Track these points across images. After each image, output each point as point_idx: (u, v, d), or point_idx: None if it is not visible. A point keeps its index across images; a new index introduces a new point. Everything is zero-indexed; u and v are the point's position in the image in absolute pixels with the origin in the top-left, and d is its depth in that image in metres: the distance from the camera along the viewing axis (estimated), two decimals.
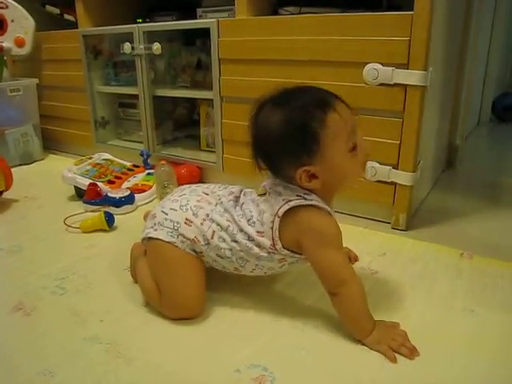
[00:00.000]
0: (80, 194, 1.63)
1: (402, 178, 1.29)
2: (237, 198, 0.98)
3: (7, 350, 0.88)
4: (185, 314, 0.95)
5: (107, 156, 1.85)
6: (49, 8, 2.26)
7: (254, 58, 1.51)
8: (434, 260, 1.16)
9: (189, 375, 0.80)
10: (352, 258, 1.16)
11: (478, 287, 1.04)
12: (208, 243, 0.95)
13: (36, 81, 2.22)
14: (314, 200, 0.88)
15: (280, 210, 0.88)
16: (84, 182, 1.61)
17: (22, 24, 2.15)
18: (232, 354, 0.84)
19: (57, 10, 2.26)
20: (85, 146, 2.22)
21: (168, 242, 0.95)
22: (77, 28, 2.07)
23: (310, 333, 0.90)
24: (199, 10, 1.74)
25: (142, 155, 1.83)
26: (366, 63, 1.27)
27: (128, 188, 1.60)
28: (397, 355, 0.82)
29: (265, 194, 0.93)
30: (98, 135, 2.18)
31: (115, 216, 1.42)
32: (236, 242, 0.93)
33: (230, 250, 0.94)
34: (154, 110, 1.92)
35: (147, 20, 1.93)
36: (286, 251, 0.91)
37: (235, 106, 1.62)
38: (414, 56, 1.20)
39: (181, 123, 2.14)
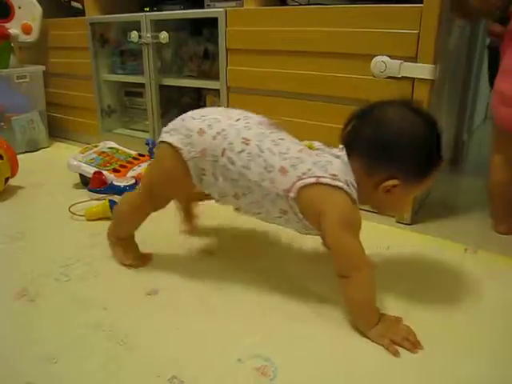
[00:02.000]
0: (85, 182, 1.63)
1: None
2: (271, 127, 0.96)
3: (11, 335, 0.89)
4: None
5: (113, 144, 1.85)
6: None
7: (262, 48, 1.50)
8: (437, 255, 1.16)
9: (191, 364, 0.80)
10: None
11: (481, 283, 1.04)
12: (216, 160, 0.92)
13: (43, 68, 2.22)
14: (355, 195, 0.87)
15: (322, 179, 0.86)
16: (89, 170, 1.61)
17: (30, 11, 2.14)
18: (234, 344, 0.85)
19: None
20: (90, 134, 2.23)
21: (176, 147, 0.94)
22: (84, 15, 2.07)
23: (312, 323, 0.91)
24: (207, 0, 1.74)
25: (147, 144, 1.83)
26: (374, 55, 1.26)
27: (133, 177, 1.60)
28: (400, 349, 0.82)
29: (311, 148, 0.93)
30: (103, 123, 2.19)
31: None
32: (247, 168, 0.90)
33: (238, 174, 0.91)
34: (160, 99, 1.92)
35: (155, 9, 1.93)
36: (293, 203, 0.88)
37: (242, 97, 1.62)
38: (423, 49, 1.19)
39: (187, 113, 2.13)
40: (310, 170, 0.87)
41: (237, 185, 0.92)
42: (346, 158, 0.90)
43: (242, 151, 0.90)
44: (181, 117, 0.99)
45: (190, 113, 0.99)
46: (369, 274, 0.87)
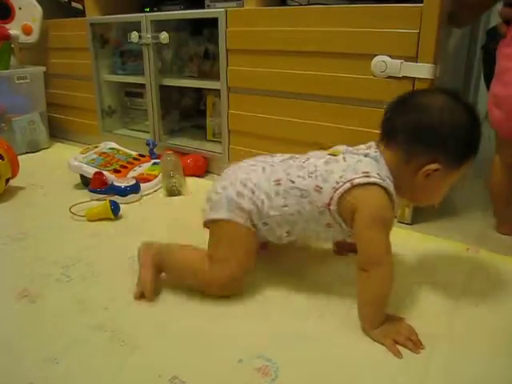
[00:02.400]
0: (86, 182, 1.63)
1: None
2: (294, 157, 1.01)
3: (12, 336, 0.89)
4: (229, 288, 0.99)
5: (113, 145, 1.85)
6: None
7: (262, 48, 1.50)
8: (439, 254, 1.16)
9: (192, 364, 0.80)
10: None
11: (483, 282, 1.04)
12: (259, 212, 0.96)
13: (43, 69, 2.21)
14: (391, 186, 0.88)
15: (356, 180, 0.87)
16: (90, 171, 1.61)
17: (30, 12, 2.14)
18: (235, 344, 0.85)
19: None
20: (91, 135, 2.23)
21: (229, 220, 0.96)
22: (84, 16, 2.07)
23: (313, 323, 0.91)
24: (207, 0, 1.74)
25: (148, 145, 1.83)
26: (375, 55, 1.26)
27: (133, 177, 1.60)
28: (401, 349, 0.82)
29: (335, 155, 0.95)
30: (104, 124, 2.19)
31: (120, 205, 1.42)
32: (286, 206, 0.94)
33: (281, 215, 0.95)
34: (161, 100, 1.92)
35: (155, 9, 1.93)
36: (336, 215, 0.91)
37: (242, 97, 1.62)
38: (423, 49, 1.19)
39: (187, 113, 2.14)
40: (341, 177, 0.89)
41: (281, 225, 0.97)
42: (375, 153, 0.92)
43: (278, 193, 0.95)
44: (213, 191, 1.01)
45: (216, 184, 1.03)
46: (388, 272, 0.87)
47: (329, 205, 0.90)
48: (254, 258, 1.00)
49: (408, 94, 0.95)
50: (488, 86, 1.52)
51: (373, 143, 0.95)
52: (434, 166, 0.87)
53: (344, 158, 0.93)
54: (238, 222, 0.96)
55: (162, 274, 1.04)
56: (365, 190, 0.87)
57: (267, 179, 0.96)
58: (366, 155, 0.92)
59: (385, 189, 0.87)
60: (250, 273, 1.01)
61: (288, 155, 1.03)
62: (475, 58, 1.78)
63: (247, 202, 0.96)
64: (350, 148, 0.97)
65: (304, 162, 0.97)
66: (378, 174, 0.88)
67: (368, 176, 0.87)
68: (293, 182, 0.94)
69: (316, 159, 0.96)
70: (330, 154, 0.96)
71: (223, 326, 0.90)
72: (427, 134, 0.87)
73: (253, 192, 0.96)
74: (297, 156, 1.01)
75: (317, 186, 0.91)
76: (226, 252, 0.97)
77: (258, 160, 1.04)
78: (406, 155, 0.89)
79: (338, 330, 0.88)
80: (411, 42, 1.20)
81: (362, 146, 0.96)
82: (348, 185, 0.88)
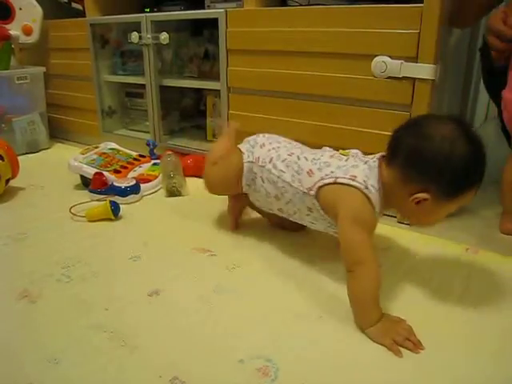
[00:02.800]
0: (86, 182, 1.63)
1: None
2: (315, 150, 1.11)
3: (12, 336, 0.89)
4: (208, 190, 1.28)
5: (113, 145, 1.85)
6: None
7: (262, 48, 1.50)
8: (438, 255, 1.16)
9: (192, 365, 0.80)
10: None
11: (482, 283, 1.04)
12: (263, 166, 1.11)
13: (43, 69, 2.21)
14: (374, 195, 0.92)
15: (339, 179, 0.95)
16: (90, 171, 1.61)
17: (30, 12, 2.14)
18: (236, 344, 0.85)
19: None
20: (91, 135, 2.23)
21: (241, 151, 1.18)
22: (84, 16, 2.07)
23: (314, 323, 0.91)
24: (207, 0, 1.74)
25: (148, 145, 1.83)
26: (375, 56, 1.26)
27: (134, 178, 1.60)
28: (401, 349, 0.82)
29: (345, 155, 1.02)
30: (104, 124, 2.19)
31: (121, 205, 1.42)
32: (284, 172, 1.06)
33: (277, 177, 1.07)
34: (161, 100, 1.92)
35: (155, 9, 1.93)
36: (315, 201, 1.00)
37: (242, 97, 1.62)
38: (423, 49, 1.19)
39: (187, 113, 2.14)
40: (332, 172, 0.98)
41: (276, 186, 1.08)
42: (374, 163, 0.96)
43: (284, 160, 1.08)
44: (262, 134, 1.22)
45: (265, 134, 1.22)
46: (373, 270, 0.88)
47: (310, 189, 1.00)
48: (229, 188, 1.24)
49: (422, 116, 0.98)
50: (487, 89, 1.53)
51: (379, 155, 0.98)
52: (422, 196, 0.88)
53: (347, 159, 0.99)
54: (243, 158, 1.16)
55: None
56: (346, 189, 0.94)
57: (288, 150, 1.11)
58: (365, 162, 0.97)
59: (365, 194, 0.91)
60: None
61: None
62: (475, 58, 1.78)
63: (261, 153, 1.14)
64: (359, 153, 1.03)
65: (317, 151, 1.09)
66: (364, 180, 0.93)
67: (353, 179, 0.93)
68: (299, 159, 1.06)
69: (326, 152, 1.07)
70: (340, 153, 1.04)
71: (224, 326, 0.90)
72: (423, 162, 0.87)
73: (269, 149, 1.13)
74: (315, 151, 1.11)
75: (310, 170, 1.01)
76: (220, 160, 1.22)
77: (295, 144, 1.18)
78: (402, 178, 0.91)
79: (337, 330, 0.88)
80: (411, 42, 1.20)
81: (371, 156, 1.00)
82: (331, 180, 0.96)
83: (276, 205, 1.12)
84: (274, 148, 1.13)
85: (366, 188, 0.92)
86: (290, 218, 1.13)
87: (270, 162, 1.10)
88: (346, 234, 0.92)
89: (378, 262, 0.90)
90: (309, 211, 1.04)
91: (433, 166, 0.86)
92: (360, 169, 0.95)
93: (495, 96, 1.49)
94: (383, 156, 0.97)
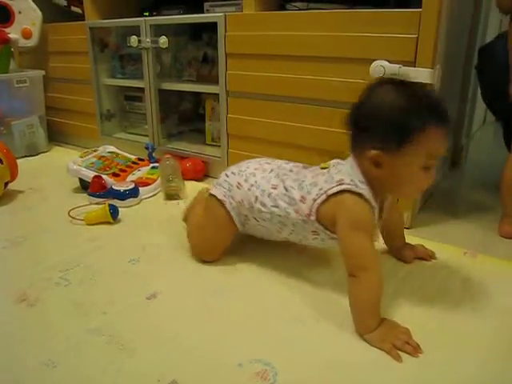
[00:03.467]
0: (85, 186, 1.63)
1: None
2: (297, 168, 1.06)
3: (11, 340, 0.89)
4: (202, 258, 1.15)
5: (112, 149, 1.85)
6: (56, 0, 2.26)
7: (261, 53, 1.51)
8: (437, 258, 1.16)
9: (191, 369, 0.80)
10: (426, 256, 1.15)
11: (480, 286, 1.04)
12: (252, 207, 1.06)
13: (42, 72, 2.22)
14: (364, 190, 0.90)
15: (330, 190, 0.93)
16: (89, 175, 1.61)
17: (30, 16, 2.15)
18: (234, 348, 0.85)
19: (64, 2, 2.26)
20: (90, 139, 2.23)
21: (220, 200, 1.09)
22: (84, 20, 2.07)
23: (312, 327, 0.91)
24: (206, 4, 1.75)
25: (147, 148, 1.83)
26: (373, 60, 1.26)
27: (132, 181, 1.60)
28: (400, 353, 0.82)
29: (326, 168, 0.99)
30: (103, 128, 2.19)
31: (119, 209, 1.42)
32: (276, 207, 1.02)
33: (270, 213, 1.03)
34: (160, 104, 1.92)
35: (154, 13, 1.93)
36: (317, 224, 0.97)
37: (241, 101, 1.62)
38: (422, 53, 1.19)
39: (186, 117, 2.14)
40: (321, 189, 0.95)
41: (272, 222, 1.05)
42: (353, 161, 0.94)
43: (270, 194, 1.03)
44: (225, 172, 1.14)
45: (232, 167, 1.14)
46: (376, 276, 0.88)
47: (309, 215, 0.96)
48: (225, 242, 1.15)
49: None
50: (486, 103, 1.54)
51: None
52: (372, 153, 0.88)
53: (329, 170, 0.97)
54: (226, 207, 1.09)
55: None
56: (339, 198, 0.92)
57: (268, 181, 1.05)
58: (346, 163, 0.96)
59: (358, 194, 0.90)
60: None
61: (293, 165, 1.09)
62: (473, 62, 1.79)
63: (242, 195, 1.07)
64: (339, 160, 0.99)
65: (300, 175, 1.02)
66: (351, 180, 0.91)
67: (341, 184, 0.92)
68: (287, 190, 1.01)
69: (308, 172, 1.02)
70: (321, 168, 1.01)
71: (222, 329, 0.90)
72: (361, 124, 0.90)
73: (249, 188, 1.06)
74: (300, 170, 1.05)
75: (302, 197, 0.98)
76: (204, 230, 1.14)
77: (272, 164, 1.11)
78: (359, 152, 0.91)
79: (336, 334, 0.88)
80: (409, 46, 1.20)
81: (349, 157, 0.97)
82: (324, 196, 0.94)
83: (280, 237, 1.09)
84: (252, 185, 1.06)
85: (356, 186, 0.90)
86: (299, 243, 1.10)
87: (255, 201, 1.05)
88: (348, 241, 0.91)
89: (379, 268, 0.89)
90: (315, 235, 1.00)
91: (369, 122, 0.89)
92: (343, 171, 0.94)
93: (495, 111, 1.51)
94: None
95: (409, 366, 0.80)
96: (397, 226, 1.15)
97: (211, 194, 1.12)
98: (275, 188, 1.02)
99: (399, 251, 1.15)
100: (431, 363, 0.80)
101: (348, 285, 0.90)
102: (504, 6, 1.31)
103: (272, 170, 1.07)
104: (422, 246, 1.17)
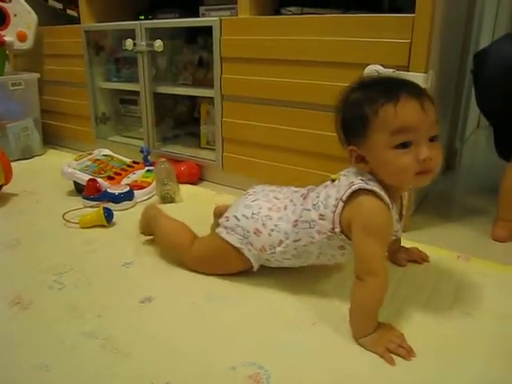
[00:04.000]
0: (79, 189, 1.63)
1: None
2: (305, 195, 1.03)
3: (4, 343, 0.89)
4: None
5: (107, 152, 1.85)
6: (51, 3, 2.26)
7: (256, 57, 1.51)
8: (430, 262, 1.16)
9: (184, 372, 0.80)
10: (419, 259, 1.16)
11: (474, 290, 1.04)
12: (274, 252, 1.02)
13: (37, 75, 2.22)
14: (376, 187, 0.88)
15: (344, 195, 0.90)
16: (83, 178, 1.61)
17: (25, 18, 2.15)
18: (228, 351, 0.85)
19: (59, 5, 2.26)
20: (85, 142, 2.23)
21: (237, 247, 1.04)
22: (79, 23, 2.07)
23: (306, 330, 0.91)
24: (202, 8, 1.75)
25: (142, 152, 1.83)
26: (367, 64, 1.27)
27: (127, 184, 1.60)
28: (393, 356, 0.82)
29: (336, 179, 0.97)
30: (98, 131, 2.19)
31: (114, 212, 1.42)
32: (298, 240, 0.98)
33: (295, 249, 1.00)
34: (155, 107, 1.92)
35: (150, 17, 1.94)
36: (343, 236, 0.93)
37: (236, 105, 1.63)
38: (415, 58, 1.20)
39: (181, 121, 2.14)
40: (336, 199, 0.92)
41: (298, 255, 1.01)
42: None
43: (292, 232, 0.99)
44: (233, 214, 1.07)
45: (240, 208, 1.07)
46: (383, 283, 0.87)
47: (333, 228, 0.93)
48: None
49: None
50: (480, 109, 1.55)
51: None
52: (349, 150, 0.92)
53: (339, 179, 0.96)
54: (245, 254, 1.04)
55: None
56: (355, 202, 0.90)
57: (287, 221, 1.01)
58: (355, 172, 0.95)
59: (371, 191, 0.88)
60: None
61: (299, 196, 1.05)
62: (467, 66, 1.80)
63: (262, 242, 1.02)
64: (349, 168, 0.97)
65: (309, 194, 1.01)
66: (361, 179, 0.90)
67: (352, 185, 0.90)
68: (307, 221, 0.97)
69: (317, 189, 1.00)
70: (331, 180, 0.99)
71: (216, 333, 0.91)
72: (338, 125, 0.95)
73: (270, 233, 1.02)
74: (312, 192, 1.02)
75: (320, 215, 0.94)
76: (212, 261, 1.10)
77: (282, 197, 1.07)
78: (348, 152, 0.93)
79: (330, 338, 0.89)
80: (403, 51, 1.21)
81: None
82: (341, 203, 0.91)
83: (307, 263, 1.05)
84: (272, 230, 1.01)
85: (366, 183, 0.89)
86: (328, 263, 1.08)
87: (279, 245, 1.01)
88: (360, 245, 0.89)
89: (387, 274, 0.88)
90: (342, 249, 0.97)
91: (347, 124, 0.93)
92: (352, 175, 0.93)
93: (489, 115, 1.52)
94: None
95: (403, 371, 0.80)
96: None
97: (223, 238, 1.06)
98: (296, 225, 0.99)
99: (394, 254, 1.15)
100: (425, 368, 0.80)
101: (353, 287, 0.89)
102: None
103: (286, 207, 1.03)
104: (417, 248, 1.18)
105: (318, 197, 0.97)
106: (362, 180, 0.90)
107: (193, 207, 1.54)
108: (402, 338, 0.85)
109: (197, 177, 1.82)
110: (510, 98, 1.23)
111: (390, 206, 0.89)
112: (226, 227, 1.07)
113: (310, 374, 0.80)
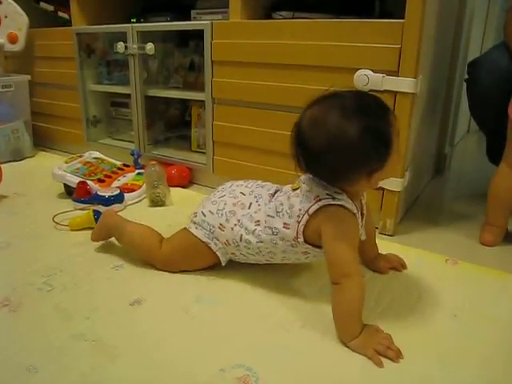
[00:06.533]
0: (69, 191, 1.63)
1: (390, 183, 1.31)
2: (272, 196, 1.06)
3: None
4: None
5: (98, 154, 1.85)
6: (43, 5, 2.25)
7: (247, 61, 1.52)
8: (417, 265, 1.17)
9: (173, 374, 0.80)
10: (397, 266, 1.15)
11: (461, 293, 1.05)
12: (238, 245, 1.05)
13: (28, 77, 2.21)
14: (343, 200, 0.91)
15: (310, 209, 0.93)
16: (74, 180, 1.60)
17: (16, 20, 2.14)
18: (217, 354, 0.85)
19: (51, 7, 2.25)
20: (76, 144, 2.22)
21: (204, 242, 1.08)
22: (71, 26, 2.07)
23: (295, 333, 0.91)
24: (193, 12, 1.76)
25: (132, 155, 1.83)
26: (357, 69, 1.28)
27: (117, 187, 1.60)
28: (381, 358, 0.83)
29: (297, 188, 0.99)
30: (89, 133, 2.18)
31: None
32: (261, 242, 1.01)
33: (258, 248, 1.03)
34: (146, 110, 1.92)
35: (141, 20, 1.94)
36: (307, 245, 0.97)
37: (226, 108, 1.63)
38: (405, 63, 1.21)
39: (172, 124, 2.14)
40: (300, 209, 0.95)
41: (261, 253, 1.05)
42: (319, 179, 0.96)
43: (254, 231, 1.02)
44: (201, 210, 1.11)
45: (207, 204, 1.11)
46: (359, 283, 0.89)
47: (296, 238, 0.96)
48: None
49: None
50: (473, 117, 1.56)
51: None
52: (371, 178, 0.90)
53: (301, 188, 0.98)
54: (211, 248, 1.09)
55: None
56: (320, 213, 0.92)
57: (250, 219, 1.03)
58: (317, 184, 0.95)
59: (343, 206, 0.91)
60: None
61: (266, 192, 1.07)
62: (457, 71, 1.82)
63: (226, 236, 1.06)
64: (307, 176, 0.98)
65: (275, 201, 1.02)
66: (327, 194, 0.92)
67: (318, 200, 0.92)
68: (270, 225, 1.00)
69: (281, 197, 1.01)
70: (293, 189, 1.00)
71: (205, 335, 0.91)
72: (347, 159, 0.89)
73: (232, 228, 1.05)
74: (280, 194, 1.04)
75: (285, 224, 0.97)
76: (183, 258, 1.12)
77: (248, 192, 1.09)
78: (331, 182, 0.94)
79: (319, 340, 0.89)
80: (393, 56, 1.22)
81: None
82: (306, 216, 0.94)
83: (272, 262, 1.08)
84: (235, 224, 1.04)
85: (333, 198, 0.91)
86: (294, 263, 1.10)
87: (240, 240, 1.04)
88: (330, 250, 0.91)
89: (362, 275, 0.91)
90: (306, 254, 1.01)
91: (362, 155, 0.88)
92: (316, 188, 0.94)
93: (483, 124, 1.54)
94: None
95: (391, 374, 0.80)
96: (370, 235, 1.12)
97: (191, 233, 1.10)
98: (258, 224, 1.02)
99: (373, 262, 1.15)
100: (413, 370, 0.81)
101: (331, 293, 0.90)
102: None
103: (251, 204, 1.05)
104: (394, 254, 1.17)
105: (282, 204, 0.99)
106: (329, 195, 0.92)
107: (183, 210, 1.53)
108: (389, 340, 0.86)
109: (187, 180, 1.82)
110: (502, 108, 1.25)
111: (357, 213, 0.93)
112: (194, 222, 1.11)
113: (298, 376, 0.80)
